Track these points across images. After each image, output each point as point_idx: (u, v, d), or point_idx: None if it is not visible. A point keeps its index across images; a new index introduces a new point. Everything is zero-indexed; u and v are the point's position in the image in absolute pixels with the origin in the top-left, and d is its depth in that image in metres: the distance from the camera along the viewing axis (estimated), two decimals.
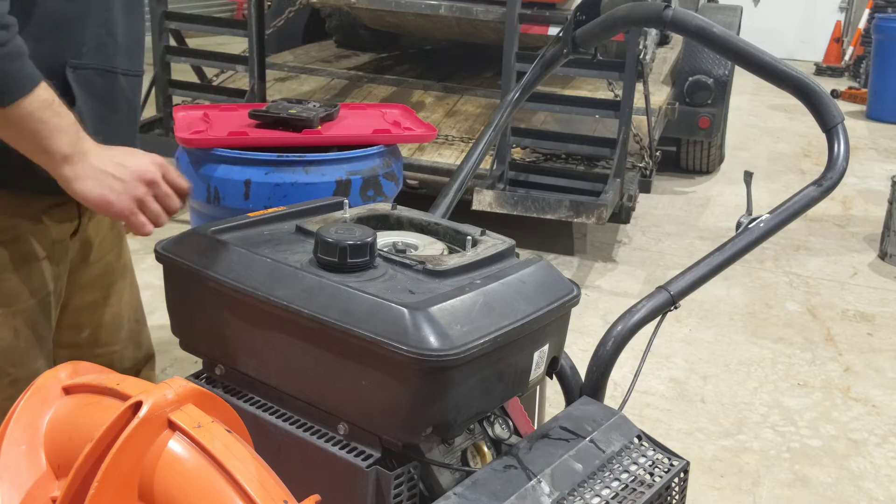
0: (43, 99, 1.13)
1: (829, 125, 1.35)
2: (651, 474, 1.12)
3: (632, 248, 4.40)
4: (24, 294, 1.30)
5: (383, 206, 1.35)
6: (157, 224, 1.25)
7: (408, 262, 1.14)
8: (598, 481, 1.09)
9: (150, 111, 4.60)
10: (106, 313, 1.50)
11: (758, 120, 7.64)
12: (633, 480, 1.10)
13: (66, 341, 1.47)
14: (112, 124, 1.32)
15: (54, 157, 1.16)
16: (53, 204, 1.32)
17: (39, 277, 1.32)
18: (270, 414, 1.14)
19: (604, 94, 4.49)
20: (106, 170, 1.20)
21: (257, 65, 4.10)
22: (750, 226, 1.36)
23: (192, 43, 4.91)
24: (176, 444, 0.90)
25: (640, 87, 4.04)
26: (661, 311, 1.31)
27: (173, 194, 1.27)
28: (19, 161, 1.19)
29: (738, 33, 4.77)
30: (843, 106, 8.03)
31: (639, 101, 4.07)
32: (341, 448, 1.07)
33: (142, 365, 1.55)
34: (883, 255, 4.39)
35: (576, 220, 3.74)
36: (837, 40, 10.74)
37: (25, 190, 1.27)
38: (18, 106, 1.11)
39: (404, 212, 1.33)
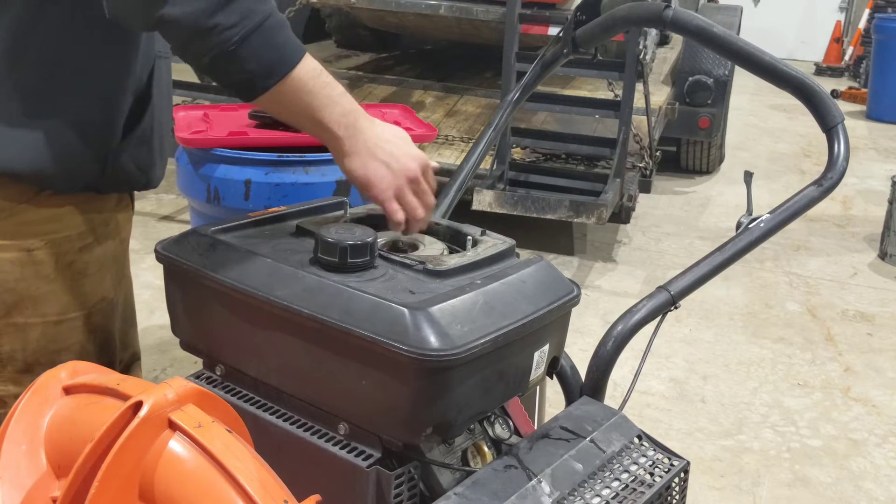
0: (312, 68, 1.12)
1: (829, 125, 1.35)
2: (651, 474, 1.12)
3: (632, 248, 4.40)
4: (96, 296, 1.29)
5: None
6: (412, 215, 1.22)
7: (408, 262, 1.14)
8: (599, 481, 1.09)
9: None
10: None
11: (758, 120, 7.64)
12: (633, 480, 1.10)
13: None
14: (163, 112, 1.32)
15: (328, 130, 1.15)
16: (120, 199, 1.31)
17: (111, 277, 1.32)
18: (271, 414, 1.14)
19: (604, 94, 4.49)
20: (375, 154, 1.18)
21: None
22: (750, 226, 1.36)
23: None
24: (176, 444, 0.90)
25: (640, 87, 4.04)
26: (662, 311, 1.31)
27: (430, 192, 1.25)
28: (91, 159, 1.19)
29: (738, 33, 4.76)
30: (843, 106, 8.03)
31: (639, 101, 4.07)
32: (342, 448, 1.07)
33: (126, 365, 1.53)
34: (883, 255, 4.39)
35: (576, 220, 3.74)
36: (837, 40, 10.74)
37: (99, 189, 1.25)
38: (291, 77, 1.09)
39: None
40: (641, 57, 3.92)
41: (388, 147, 1.20)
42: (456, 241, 1.26)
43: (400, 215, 1.20)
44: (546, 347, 1.16)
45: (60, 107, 1.16)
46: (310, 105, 1.12)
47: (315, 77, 1.12)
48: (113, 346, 1.35)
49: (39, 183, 1.17)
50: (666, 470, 1.13)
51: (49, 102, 1.15)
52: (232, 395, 1.18)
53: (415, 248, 1.23)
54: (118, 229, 1.31)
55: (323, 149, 1.23)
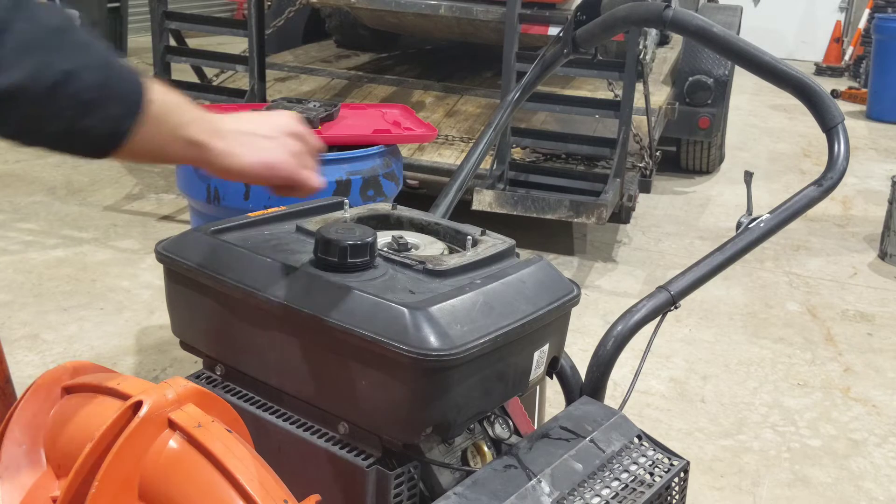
0: (156, 82, 0.95)
1: (830, 125, 1.35)
2: (651, 474, 1.12)
3: (632, 248, 4.40)
4: None
5: (383, 206, 1.35)
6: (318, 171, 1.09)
7: (408, 261, 1.14)
8: (599, 481, 1.09)
9: None
10: None
11: (758, 120, 7.63)
12: (633, 480, 1.10)
13: None
14: None
15: (202, 145, 1.00)
16: None
17: None
18: (271, 413, 1.14)
19: (604, 94, 4.49)
20: (254, 132, 1.05)
21: (257, 65, 4.10)
22: (750, 226, 1.36)
23: (192, 43, 4.91)
24: (176, 444, 0.90)
25: (640, 87, 4.04)
26: (662, 310, 1.31)
27: (314, 138, 1.12)
28: None
29: (738, 33, 4.76)
30: (843, 106, 8.02)
31: (639, 101, 4.07)
32: (341, 448, 1.07)
33: None
34: (883, 255, 4.38)
35: (576, 220, 3.74)
36: (837, 40, 10.74)
37: None
38: (152, 103, 0.93)
39: (404, 212, 1.33)
40: (641, 57, 3.92)
41: (256, 124, 1.08)
42: (456, 241, 1.26)
43: (316, 179, 1.08)
44: (546, 347, 1.16)
45: None
46: (177, 123, 0.97)
47: (166, 91, 0.97)
48: None
49: None
50: (666, 470, 1.13)
51: None
52: (232, 395, 1.18)
53: (415, 248, 1.23)
54: None
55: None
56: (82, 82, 0.85)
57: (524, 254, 1.24)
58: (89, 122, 0.87)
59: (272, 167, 1.04)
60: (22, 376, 2.64)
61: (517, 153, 4.25)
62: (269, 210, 1.31)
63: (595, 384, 1.28)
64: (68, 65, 0.84)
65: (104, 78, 0.87)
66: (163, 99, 0.95)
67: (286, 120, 1.09)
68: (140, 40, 8.82)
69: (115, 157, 0.94)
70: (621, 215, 4.07)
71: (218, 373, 1.21)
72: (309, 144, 1.09)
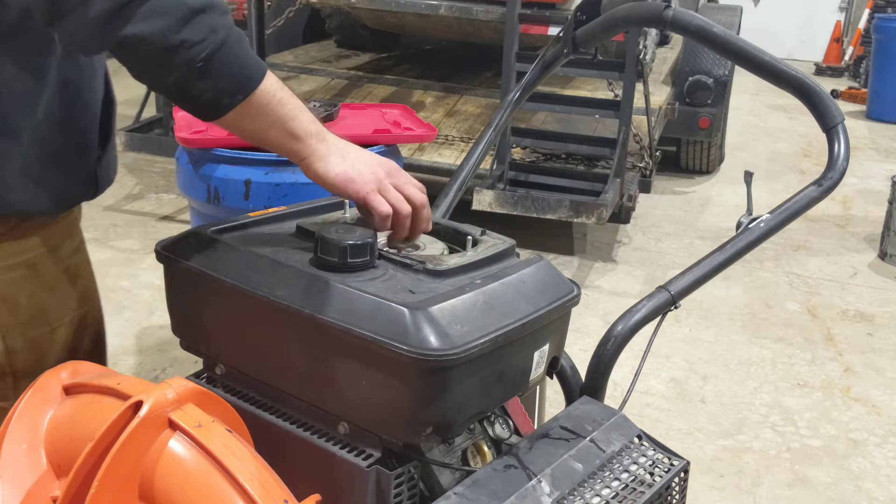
0: (275, 80, 1.09)
1: (830, 125, 1.35)
2: (651, 474, 1.12)
3: (632, 248, 4.40)
4: (89, 293, 1.31)
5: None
6: (398, 208, 1.17)
7: (408, 261, 1.14)
8: (599, 481, 1.09)
9: (150, 111, 4.61)
10: None
11: (758, 120, 7.63)
12: (633, 480, 1.10)
13: None
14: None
15: (300, 139, 1.12)
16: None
17: (92, 271, 1.33)
18: (271, 413, 1.14)
19: (604, 94, 4.49)
20: (348, 153, 1.16)
21: None
22: (750, 226, 1.36)
23: None
24: (176, 444, 0.90)
25: (640, 87, 4.04)
26: (662, 310, 1.31)
27: (415, 184, 1.21)
28: (87, 181, 1.23)
29: (738, 33, 4.76)
30: (843, 106, 8.02)
31: (639, 101, 4.07)
32: (342, 448, 1.07)
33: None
34: (883, 255, 4.38)
35: (576, 220, 3.74)
36: (837, 40, 10.74)
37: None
38: (260, 90, 1.07)
39: None
40: (641, 57, 3.92)
41: (356, 150, 1.19)
42: (456, 241, 1.26)
43: (386, 207, 1.16)
44: (546, 347, 1.16)
45: (54, 143, 1.16)
46: (281, 115, 1.10)
47: (280, 88, 1.10)
48: (104, 338, 1.36)
49: (44, 216, 1.19)
50: (666, 470, 1.13)
51: (44, 143, 1.15)
52: (232, 395, 1.18)
53: (415, 248, 1.23)
54: (79, 223, 1.33)
55: None
56: (198, 53, 1.00)
57: (524, 254, 1.24)
58: (199, 86, 1.03)
59: (351, 181, 1.14)
60: None
61: (517, 153, 4.25)
62: (269, 210, 1.31)
63: (595, 384, 1.28)
64: (190, 36, 0.99)
65: (220, 56, 1.02)
66: (276, 91, 1.09)
67: (384, 158, 1.20)
68: None
69: (218, 125, 1.10)
70: (621, 215, 4.07)
71: (218, 373, 1.21)
72: (400, 180, 1.19)
